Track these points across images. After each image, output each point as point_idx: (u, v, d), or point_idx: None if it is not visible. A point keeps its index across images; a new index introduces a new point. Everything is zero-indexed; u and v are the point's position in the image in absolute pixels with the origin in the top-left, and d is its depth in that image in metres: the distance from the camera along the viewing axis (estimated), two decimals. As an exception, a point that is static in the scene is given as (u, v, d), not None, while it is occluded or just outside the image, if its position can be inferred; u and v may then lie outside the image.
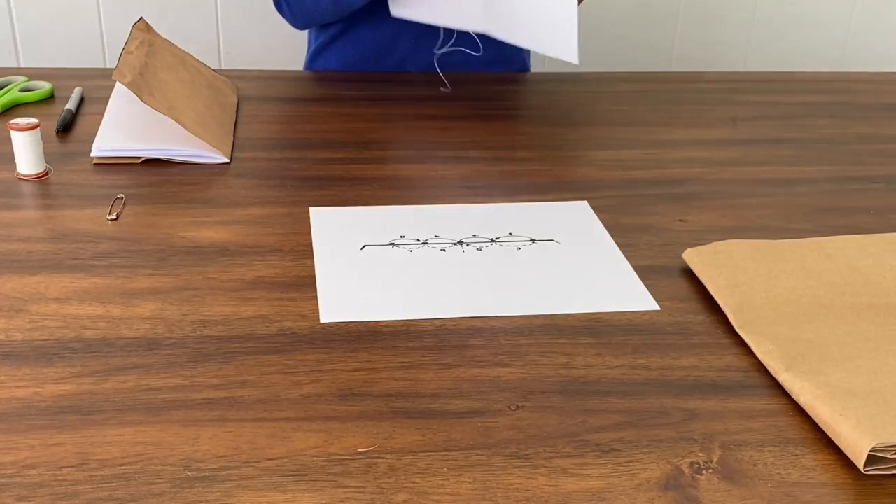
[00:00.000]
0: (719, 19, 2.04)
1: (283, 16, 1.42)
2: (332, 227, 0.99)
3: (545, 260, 0.95)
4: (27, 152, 1.07)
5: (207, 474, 0.65)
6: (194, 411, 0.71)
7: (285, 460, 0.67)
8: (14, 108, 1.27)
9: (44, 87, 1.31)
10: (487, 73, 1.46)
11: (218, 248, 0.94)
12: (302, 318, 0.83)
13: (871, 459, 0.67)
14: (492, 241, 0.98)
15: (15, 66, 1.83)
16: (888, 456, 0.67)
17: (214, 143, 1.14)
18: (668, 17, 2.02)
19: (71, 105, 1.25)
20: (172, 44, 1.30)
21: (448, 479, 0.66)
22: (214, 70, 1.36)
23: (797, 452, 0.70)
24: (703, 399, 0.76)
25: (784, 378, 0.76)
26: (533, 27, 1.19)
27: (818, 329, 0.82)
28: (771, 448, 0.70)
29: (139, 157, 1.13)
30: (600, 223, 1.03)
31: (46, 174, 1.09)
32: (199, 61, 1.33)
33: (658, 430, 0.72)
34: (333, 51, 1.50)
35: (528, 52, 1.60)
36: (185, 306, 0.84)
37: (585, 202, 1.08)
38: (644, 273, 0.94)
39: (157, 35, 1.29)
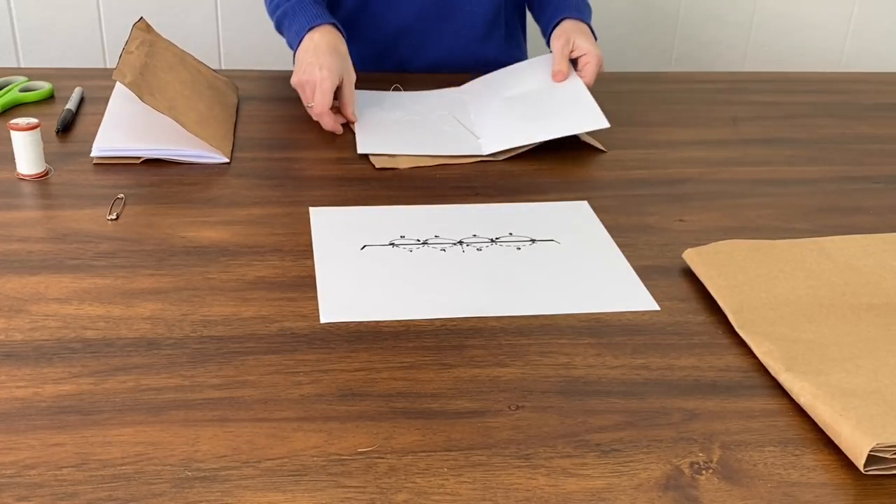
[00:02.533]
0: (719, 19, 2.04)
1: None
2: (332, 227, 0.99)
3: (545, 260, 0.95)
4: (27, 152, 1.07)
5: (207, 474, 0.65)
6: (194, 411, 0.71)
7: (285, 460, 0.67)
8: (14, 108, 1.27)
9: (44, 87, 1.31)
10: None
11: (218, 248, 0.94)
12: (302, 318, 0.83)
13: (871, 459, 0.67)
14: (492, 241, 0.98)
15: (15, 66, 1.83)
16: (888, 456, 0.67)
17: (214, 143, 1.14)
18: (668, 17, 2.02)
19: (71, 105, 1.25)
20: (173, 44, 1.30)
21: (448, 479, 0.66)
22: (214, 70, 1.36)
23: (797, 452, 0.70)
24: (703, 399, 0.76)
25: (784, 378, 0.76)
26: (557, 118, 1.25)
27: (818, 329, 0.82)
28: (771, 448, 0.70)
29: (139, 157, 1.13)
30: (600, 223, 1.03)
31: (46, 174, 1.09)
32: (199, 61, 1.33)
33: (658, 430, 0.72)
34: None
35: (526, 53, 1.60)
36: (185, 306, 0.84)
37: (585, 202, 1.08)
38: (644, 273, 0.94)
39: (157, 35, 1.29)
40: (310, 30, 1.26)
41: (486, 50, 1.49)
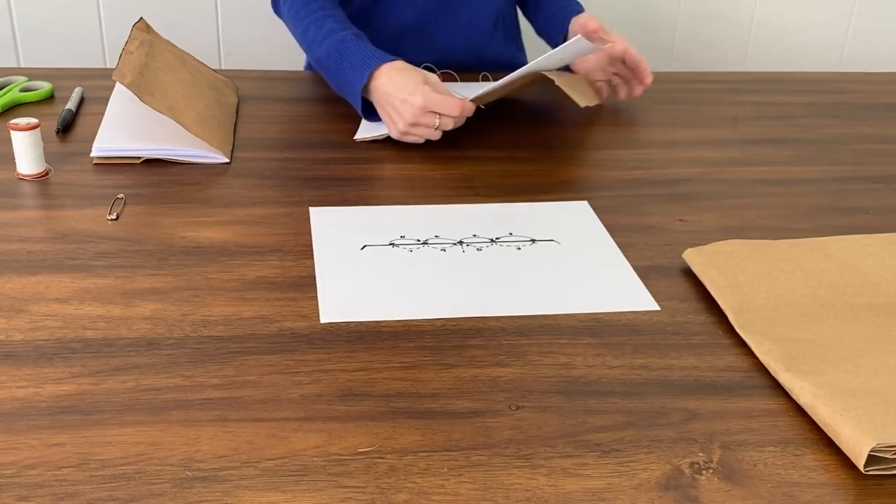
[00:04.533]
0: (719, 19, 2.04)
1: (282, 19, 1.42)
2: (332, 227, 0.99)
3: (545, 260, 0.95)
4: (27, 152, 1.07)
5: (207, 474, 0.65)
6: (194, 411, 0.71)
7: (285, 460, 0.67)
8: (14, 108, 1.27)
9: (44, 87, 1.31)
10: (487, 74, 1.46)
11: (218, 248, 0.94)
12: (302, 318, 0.83)
13: (872, 459, 0.67)
14: (492, 241, 0.98)
15: (15, 66, 1.83)
16: (888, 456, 0.67)
17: (214, 143, 1.14)
18: (668, 17, 2.02)
19: (71, 105, 1.25)
20: (172, 44, 1.30)
21: (448, 479, 0.66)
22: (214, 70, 1.36)
23: (797, 452, 0.70)
24: (703, 399, 0.76)
25: (784, 378, 0.76)
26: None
27: (818, 329, 0.82)
28: (771, 448, 0.70)
29: (139, 157, 1.13)
30: (600, 223, 1.03)
31: (46, 174, 1.09)
32: (199, 61, 1.33)
33: (658, 430, 0.72)
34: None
35: (525, 53, 1.60)
36: (185, 306, 0.84)
37: (585, 202, 1.08)
38: (644, 273, 0.94)
39: (157, 35, 1.29)
40: (370, 77, 1.19)
41: (487, 49, 1.49)
